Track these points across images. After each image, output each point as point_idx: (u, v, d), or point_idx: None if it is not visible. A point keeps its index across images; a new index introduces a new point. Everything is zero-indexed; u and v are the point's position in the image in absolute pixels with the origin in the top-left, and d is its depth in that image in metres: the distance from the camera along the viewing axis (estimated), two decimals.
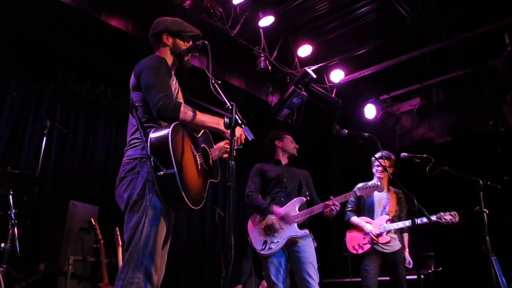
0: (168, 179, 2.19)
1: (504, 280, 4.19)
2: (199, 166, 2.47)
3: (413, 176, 4.46)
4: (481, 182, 4.31)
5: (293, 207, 3.90)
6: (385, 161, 4.63)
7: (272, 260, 3.78)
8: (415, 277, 4.64)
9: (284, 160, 4.24)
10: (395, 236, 4.67)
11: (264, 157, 4.32)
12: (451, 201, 6.22)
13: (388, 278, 4.74)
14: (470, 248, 5.32)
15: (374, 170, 4.89)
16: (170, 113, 2.33)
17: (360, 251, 4.65)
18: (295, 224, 3.83)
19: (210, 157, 2.63)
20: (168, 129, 2.27)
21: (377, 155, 4.59)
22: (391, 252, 4.60)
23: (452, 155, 6.46)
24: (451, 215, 4.32)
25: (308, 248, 3.84)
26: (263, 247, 3.80)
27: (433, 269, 5.24)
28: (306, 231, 3.86)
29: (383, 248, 4.60)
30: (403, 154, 4.36)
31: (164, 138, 2.25)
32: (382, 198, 4.80)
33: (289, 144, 4.28)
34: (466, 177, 4.35)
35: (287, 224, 3.82)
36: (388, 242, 4.59)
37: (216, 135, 2.70)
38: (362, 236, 4.67)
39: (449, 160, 4.62)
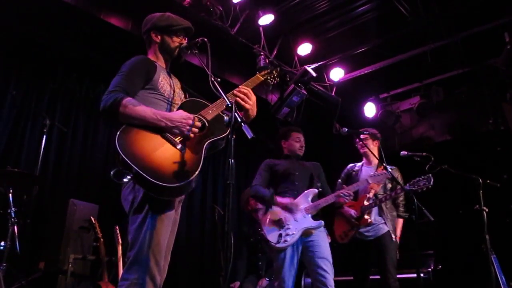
0: (138, 178, 2.16)
1: (503, 279, 4.19)
2: (177, 142, 2.33)
3: (413, 174, 4.45)
4: (480, 180, 4.31)
5: (305, 199, 3.88)
6: (368, 136, 4.53)
7: (285, 255, 3.72)
8: (415, 275, 4.63)
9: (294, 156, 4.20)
10: (379, 218, 4.29)
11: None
12: (450, 200, 6.23)
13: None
14: (469, 246, 5.33)
15: (358, 146, 4.65)
16: (109, 106, 2.27)
17: (346, 240, 4.33)
18: (309, 215, 3.81)
19: (204, 119, 2.47)
20: (116, 136, 2.23)
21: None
22: (375, 237, 4.24)
23: (452, 153, 6.46)
24: (424, 179, 3.91)
25: (323, 243, 3.79)
26: (278, 240, 3.74)
27: (432, 268, 5.24)
28: (321, 222, 3.82)
29: (366, 235, 4.27)
30: (402, 152, 4.35)
31: (115, 147, 2.20)
32: (367, 175, 4.36)
33: (294, 144, 4.19)
34: (465, 175, 4.36)
35: (299, 214, 3.79)
36: (369, 224, 4.22)
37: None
38: (346, 221, 4.33)
39: (449, 158, 4.62)
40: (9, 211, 3.90)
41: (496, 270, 4.16)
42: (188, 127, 2.32)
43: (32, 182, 4.47)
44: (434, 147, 7.00)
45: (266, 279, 5.11)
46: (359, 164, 4.71)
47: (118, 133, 2.23)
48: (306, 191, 3.93)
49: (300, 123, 6.87)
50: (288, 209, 3.83)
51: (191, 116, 2.37)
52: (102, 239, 4.65)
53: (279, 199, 3.87)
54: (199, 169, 2.29)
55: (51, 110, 5.38)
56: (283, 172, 4.03)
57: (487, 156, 6.24)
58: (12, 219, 3.87)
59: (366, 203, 4.27)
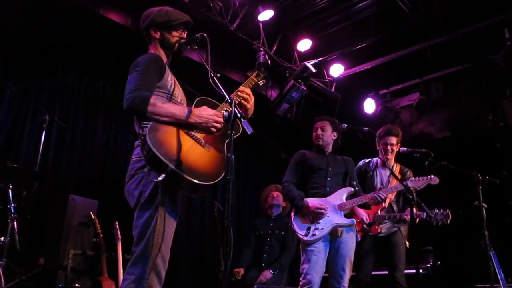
0: (172, 177, 2.18)
1: (502, 275, 4.20)
2: (203, 141, 2.41)
3: (412, 170, 4.46)
4: (480, 177, 4.31)
5: (339, 196, 3.80)
6: (392, 137, 4.46)
7: (314, 250, 3.64)
8: (414, 271, 4.64)
9: (327, 149, 4.10)
10: (388, 221, 4.32)
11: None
12: (450, 196, 6.24)
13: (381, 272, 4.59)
14: (468, 242, 5.34)
15: (380, 149, 4.49)
16: (137, 105, 2.27)
17: None
18: (342, 212, 3.74)
19: None
20: (146, 135, 2.22)
21: (382, 131, 4.47)
22: (386, 235, 4.33)
23: (451, 150, 6.47)
24: (442, 214, 3.99)
25: (350, 242, 3.74)
26: (307, 233, 3.67)
27: (431, 263, 5.25)
28: (353, 220, 3.76)
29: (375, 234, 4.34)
30: (402, 148, 4.35)
31: (147, 146, 2.19)
32: (383, 179, 4.47)
33: (313, 134, 4.12)
34: (465, 172, 4.36)
35: (331, 210, 3.71)
36: (379, 233, 4.30)
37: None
38: (358, 222, 4.23)
39: (448, 155, 4.62)
40: (8, 207, 3.89)
41: (495, 266, 4.17)
42: (215, 123, 2.41)
43: (31, 177, 4.47)
44: (434, 143, 7.00)
45: (271, 271, 5.13)
46: (374, 161, 4.62)
47: (146, 132, 2.23)
48: (341, 189, 3.85)
49: (299, 119, 6.88)
50: (315, 211, 3.72)
51: (217, 112, 2.45)
52: (101, 235, 4.65)
53: (310, 203, 3.74)
54: (223, 167, 2.37)
55: (50, 106, 5.38)
56: (315, 167, 3.93)
57: (486, 153, 6.25)
58: (12, 215, 3.86)
59: (380, 212, 4.28)
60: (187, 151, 2.29)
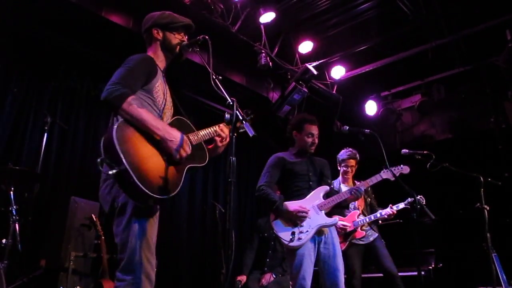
0: (123, 176, 2.15)
1: (504, 277, 4.20)
2: (165, 155, 2.36)
3: (414, 172, 4.45)
4: (482, 178, 4.31)
5: (317, 196, 3.73)
6: (351, 160, 4.81)
7: (304, 252, 3.55)
8: (416, 273, 4.64)
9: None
10: (368, 227, 4.68)
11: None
12: (451, 198, 6.23)
13: (375, 274, 4.79)
14: (470, 244, 5.33)
15: (341, 170, 4.90)
16: (114, 98, 2.23)
17: None
18: (323, 212, 3.67)
19: (190, 143, 2.49)
20: (114, 127, 2.20)
21: (344, 155, 4.84)
22: (368, 242, 4.62)
23: (453, 151, 6.46)
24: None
25: (335, 241, 3.70)
26: (292, 238, 3.56)
27: (433, 266, 5.24)
28: (336, 219, 3.71)
29: (359, 241, 4.62)
30: (404, 150, 4.34)
31: (110, 137, 2.17)
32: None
33: (305, 140, 3.91)
34: (467, 174, 4.36)
35: (312, 211, 3.63)
36: (364, 236, 4.61)
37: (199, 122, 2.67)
38: (341, 233, 4.51)
39: (450, 156, 4.62)
40: (10, 209, 3.90)
41: (497, 268, 4.16)
42: (181, 149, 2.35)
43: (33, 179, 4.48)
44: (435, 145, 7.00)
45: (274, 275, 5.11)
46: (335, 182, 4.86)
47: (116, 125, 2.21)
48: (317, 189, 3.78)
49: None
50: (296, 215, 3.63)
51: (187, 140, 2.42)
52: (103, 237, 4.65)
53: (290, 207, 3.63)
54: (178, 188, 2.35)
55: (52, 108, 5.38)
56: (297, 172, 3.83)
57: (488, 154, 6.24)
58: (14, 217, 3.87)
59: (357, 218, 4.64)
60: (146, 157, 2.26)
